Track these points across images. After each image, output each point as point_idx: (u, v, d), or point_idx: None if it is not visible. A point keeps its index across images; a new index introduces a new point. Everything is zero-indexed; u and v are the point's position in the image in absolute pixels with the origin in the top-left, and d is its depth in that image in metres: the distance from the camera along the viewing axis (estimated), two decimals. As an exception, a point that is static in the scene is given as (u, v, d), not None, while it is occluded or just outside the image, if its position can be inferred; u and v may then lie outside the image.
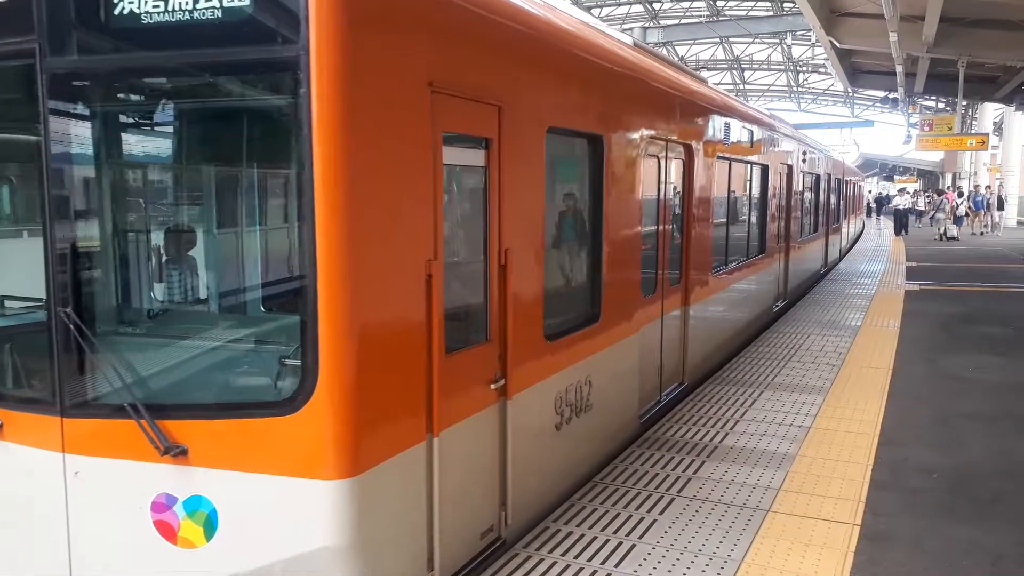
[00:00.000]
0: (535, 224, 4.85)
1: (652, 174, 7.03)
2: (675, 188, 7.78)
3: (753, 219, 11.71)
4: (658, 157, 7.10)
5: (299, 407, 3.32)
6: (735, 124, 9.52)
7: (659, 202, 7.27)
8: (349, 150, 3.24)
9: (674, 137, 7.35)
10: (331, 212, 3.20)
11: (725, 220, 9.82)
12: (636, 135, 6.36)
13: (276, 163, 4.25)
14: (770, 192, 12.11)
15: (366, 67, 3.31)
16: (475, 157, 4.38)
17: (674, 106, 7.34)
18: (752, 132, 10.51)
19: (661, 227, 7.33)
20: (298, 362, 3.37)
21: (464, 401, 4.22)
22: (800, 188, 15.13)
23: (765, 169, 11.79)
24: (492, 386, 4.46)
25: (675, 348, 7.91)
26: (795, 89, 58.07)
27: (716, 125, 8.75)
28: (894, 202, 40.56)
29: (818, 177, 17.77)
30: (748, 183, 11.24)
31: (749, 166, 10.99)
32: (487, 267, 4.43)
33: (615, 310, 6.10)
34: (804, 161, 15.16)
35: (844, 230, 25.72)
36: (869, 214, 48.71)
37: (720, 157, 8.97)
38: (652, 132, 6.71)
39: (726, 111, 9.21)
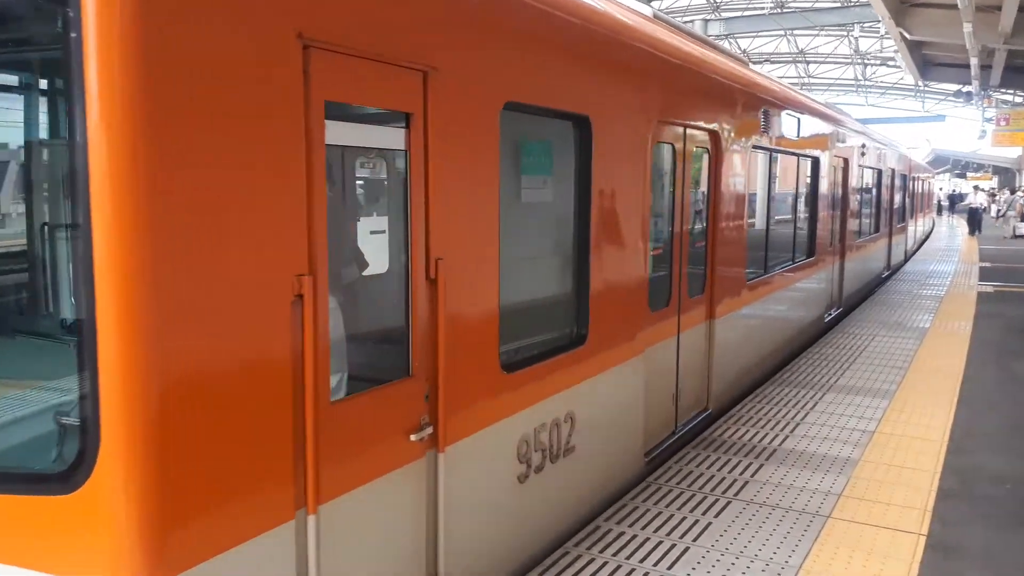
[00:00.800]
0: (483, 225, 3.80)
1: (663, 165, 6.16)
2: (696, 182, 6.82)
3: (800, 218, 10.47)
4: (673, 145, 6.14)
5: (78, 483, 2.38)
6: (775, 110, 8.47)
7: (674, 198, 6.28)
8: (151, 124, 2.30)
9: (694, 121, 6.35)
10: (117, 215, 2.27)
11: (764, 220, 8.88)
12: (637, 116, 5.33)
13: (53, 146, 3.25)
14: (822, 188, 10.93)
15: (180, 5, 2.37)
16: (388, 137, 3.43)
17: (693, 84, 6.37)
18: (799, 120, 9.43)
19: (677, 228, 6.31)
20: (76, 420, 2.44)
21: (366, 460, 3.19)
22: (859, 184, 14.01)
23: (816, 162, 10.63)
24: (414, 436, 3.40)
25: (697, 370, 6.88)
26: (862, 83, 56.48)
27: (750, 110, 7.71)
28: (968, 200, 39.28)
29: (880, 172, 16.56)
30: (795, 178, 10.21)
31: (797, 159, 9.96)
32: (408, 281, 3.41)
33: (609, 329, 5.08)
34: (863, 155, 14.06)
35: (910, 230, 24.40)
36: (940, 212, 47.11)
37: (756, 147, 7.97)
38: (662, 114, 5.68)
39: (765, 95, 8.19)
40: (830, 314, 12.39)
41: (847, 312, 13.46)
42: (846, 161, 12.57)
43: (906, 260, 22.59)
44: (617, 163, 5.10)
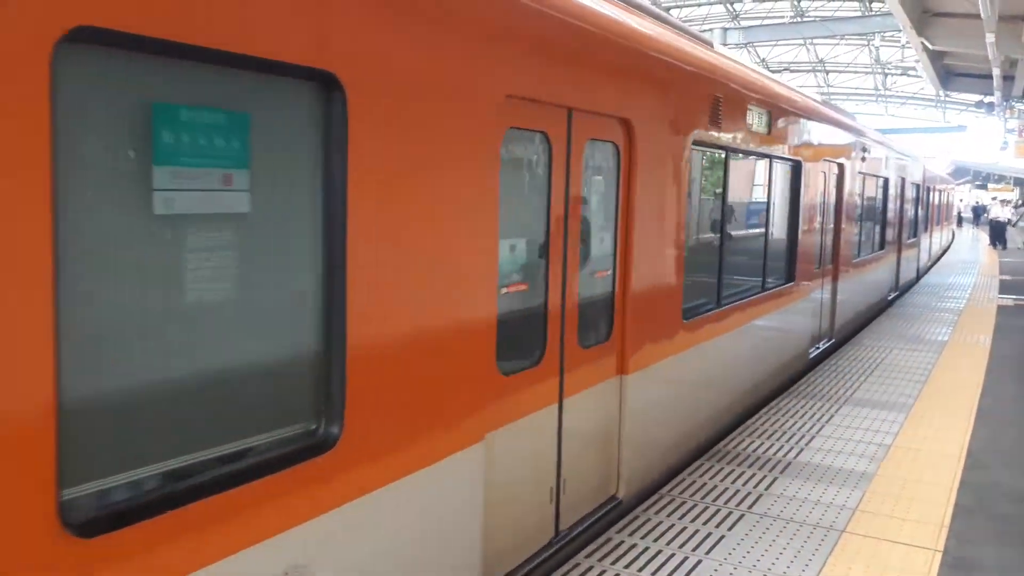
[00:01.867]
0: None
1: (531, 163, 4.41)
2: (595, 187, 5.07)
3: (775, 235, 8.55)
4: (547, 133, 4.37)
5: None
6: (734, 99, 6.67)
7: (550, 210, 4.45)
8: None
9: (588, 105, 4.62)
10: None
11: (718, 237, 7.06)
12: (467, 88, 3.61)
13: None
14: (806, 199, 9.15)
15: None
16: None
17: (581, 49, 4.54)
18: (770, 115, 7.62)
19: (557, 252, 4.52)
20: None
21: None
22: (858, 194, 12.31)
23: (797, 168, 8.87)
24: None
25: (598, 447, 5.10)
26: (882, 92, 56.13)
27: (693, 96, 6.00)
28: (993, 213, 38.67)
29: (886, 181, 14.65)
30: (767, 185, 8.29)
31: (770, 162, 8.17)
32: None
33: (384, 421, 3.18)
34: (864, 160, 12.25)
35: (924, 244, 22.59)
36: (960, 224, 46.64)
37: (703, 145, 6.28)
38: (517, 88, 3.94)
39: (717, 77, 6.38)
40: (818, 348, 10.52)
41: (843, 342, 11.89)
42: (841, 167, 10.94)
43: (919, 278, 21.15)
44: (444, 163, 3.46)
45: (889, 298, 16.32)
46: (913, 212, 19.57)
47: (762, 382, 8.27)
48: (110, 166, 2.32)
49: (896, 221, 16.76)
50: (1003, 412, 8.03)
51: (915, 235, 20.07)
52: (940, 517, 5.39)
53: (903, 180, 17.33)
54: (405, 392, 3.28)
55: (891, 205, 15.70)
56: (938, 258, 28.22)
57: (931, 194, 25.00)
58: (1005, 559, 4.84)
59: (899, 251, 17.75)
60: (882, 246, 14.98)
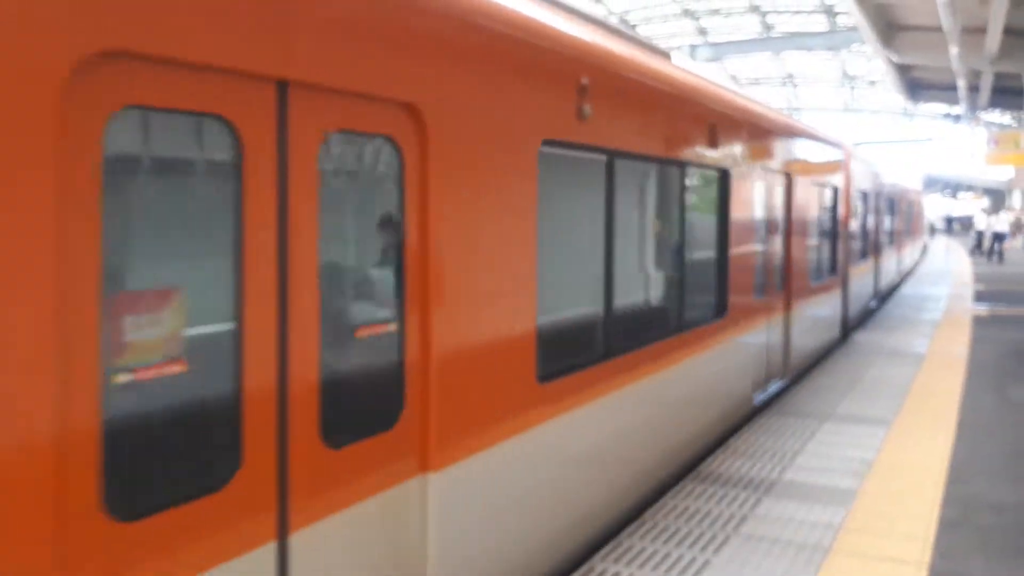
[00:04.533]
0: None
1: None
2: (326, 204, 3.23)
3: (695, 257, 6.87)
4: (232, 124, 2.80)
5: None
6: (606, 83, 5.02)
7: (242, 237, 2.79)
8: None
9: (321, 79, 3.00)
10: None
11: (603, 270, 5.23)
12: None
13: None
14: (737, 215, 7.54)
15: None
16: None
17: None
18: (667, 107, 6.01)
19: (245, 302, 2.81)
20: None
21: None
22: (809, 207, 10.44)
23: (724, 177, 7.28)
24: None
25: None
26: (851, 107, 57.01)
27: (537, 77, 4.31)
28: (979, 223, 34.49)
29: (835, 192, 12.38)
30: (676, 203, 6.50)
31: (681, 170, 6.46)
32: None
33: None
34: (808, 168, 10.35)
35: (890, 261, 20.32)
36: (932, 234, 47.25)
37: (558, 144, 4.53)
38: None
39: (566, 49, 4.62)
40: (765, 391, 8.86)
41: (797, 379, 10.15)
42: (788, 177, 9.30)
43: (881, 302, 18.35)
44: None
45: (855, 320, 14.45)
46: (877, 226, 17.18)
47: (677, 447, 6.40)
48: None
49: (860, 238, 14.47)
50: (983, 424, 8.04)
51: (879, 252, 17.59)
52: (925, 532, 5.36)
53: (864, 193, 14.93)
54: None
55: (849, 221, 13.15)
56: (906, 275, 24.73)
57: (903, 205, 23.05)
58: (990, 571, 4.81)
59: (877, 267, 15.82)
60: (833, 270, 12.28)
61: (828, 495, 6.04)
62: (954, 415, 8.28)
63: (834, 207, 12.25)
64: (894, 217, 21.17)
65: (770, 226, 8.82)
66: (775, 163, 8.75)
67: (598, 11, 4.30)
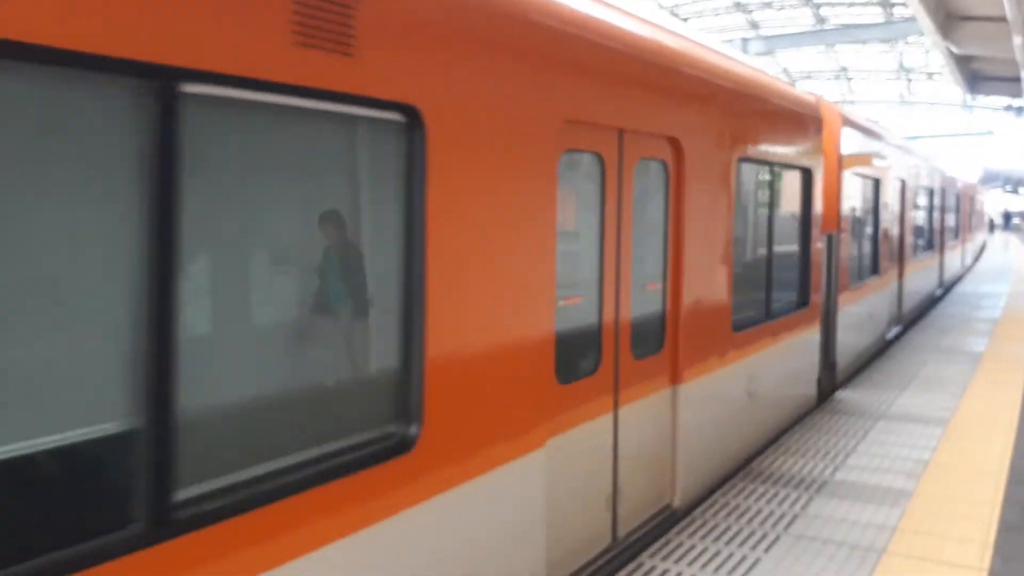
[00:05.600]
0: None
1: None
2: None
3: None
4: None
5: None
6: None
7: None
8: None
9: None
10: None
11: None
12: None
13: None
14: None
15: None
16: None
17: None
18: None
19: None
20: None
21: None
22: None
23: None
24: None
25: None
26: (907, 99, 55.53)
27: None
28: None
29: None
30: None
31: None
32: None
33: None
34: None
35: (942, 260, 19.09)
36: (991, 229, 45.84)
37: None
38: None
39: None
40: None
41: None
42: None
43: (934, 305, 17.51)
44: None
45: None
46: (929, 224, 16.29)
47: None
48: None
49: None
50: (1045, 424, 7.81)
51: (933, 248, 16.53)
52: (984, 535, 5.22)
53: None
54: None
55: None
56: (962, 274, 23.15)
57: (957, 200, 21.62)
58: (1055, 579, 4.67)
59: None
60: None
61: (882, 495, 5.92)
62: (1014, 416, 8.04)
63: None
64: (960, 214, 23.74)
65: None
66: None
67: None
